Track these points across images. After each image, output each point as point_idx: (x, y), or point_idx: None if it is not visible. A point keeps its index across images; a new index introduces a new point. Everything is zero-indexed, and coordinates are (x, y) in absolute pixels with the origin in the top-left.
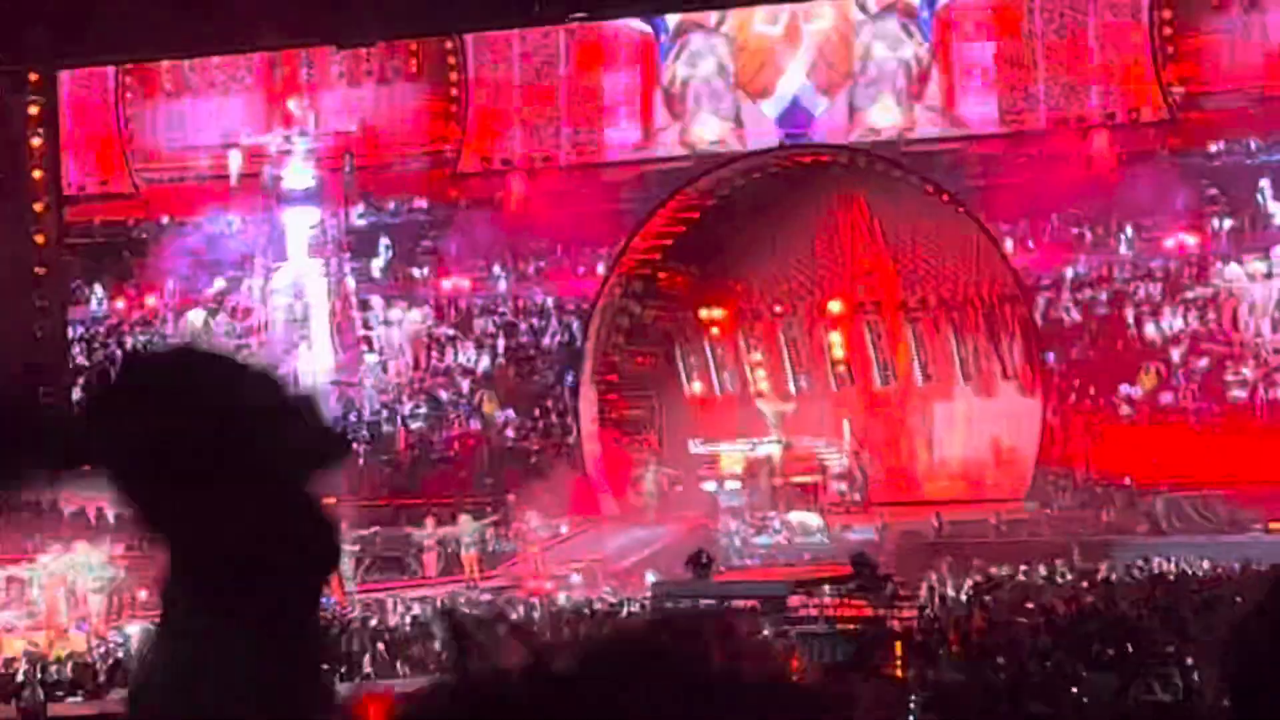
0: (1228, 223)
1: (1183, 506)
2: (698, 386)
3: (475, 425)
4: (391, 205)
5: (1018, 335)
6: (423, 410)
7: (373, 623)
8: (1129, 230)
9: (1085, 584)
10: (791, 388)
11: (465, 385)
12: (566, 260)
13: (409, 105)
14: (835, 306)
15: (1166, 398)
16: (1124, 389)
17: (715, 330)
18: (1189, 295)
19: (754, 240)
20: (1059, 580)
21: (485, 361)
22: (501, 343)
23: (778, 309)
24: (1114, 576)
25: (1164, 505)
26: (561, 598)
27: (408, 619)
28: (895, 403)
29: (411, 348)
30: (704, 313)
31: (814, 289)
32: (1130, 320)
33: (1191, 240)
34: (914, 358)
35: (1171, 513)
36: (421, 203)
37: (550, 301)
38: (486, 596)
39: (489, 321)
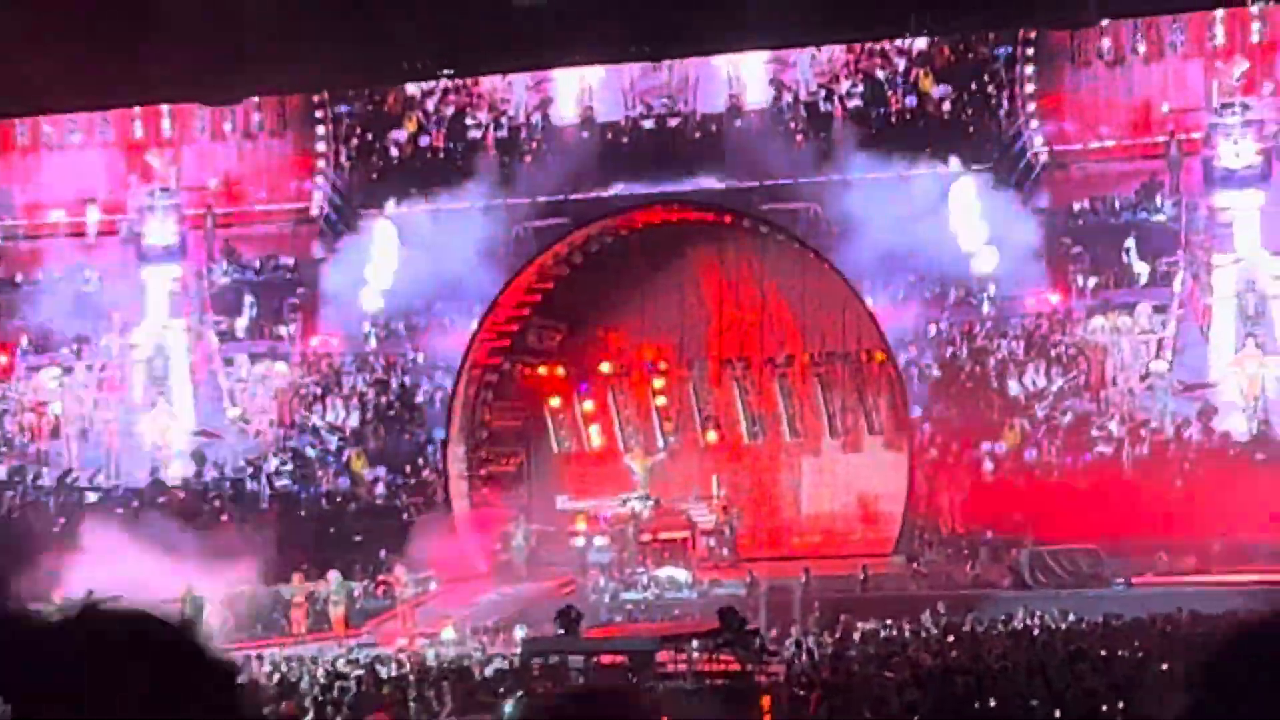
0: (1092, 280)
1: (1046, 560)
2: (566, 443)
3: (344, 483)
4: (257, 262)
5: (883, 390)
6: (289, 467)
7: (240, 679)
8: (991, 288)
9: (951, 638)
10: (660, 443)
11: (333, 442)
12: (436, 316)
13: (274, 160)
14: (703, 363)
15: (1031, 453)
16: (986, 445)
17: (583, 386)
18: (1052, 352)
19: (622, 297)
20: (925, 634)
21: (355, 419)
22: (371, 399)
23: (646, 365)
24: (979, 630)
25: (1028, 559)
26: (430, 654)
27: (275, 676)
28: (763, 457)
29: (277, 405)
30: (573, 369)
31: (682, 345)
32: (993, 377)
33: (1055, 298)
34: (782, 412)
35: (1035, 566)
36: (287, 259)
37: (420, 358)
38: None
39: (359, 379)
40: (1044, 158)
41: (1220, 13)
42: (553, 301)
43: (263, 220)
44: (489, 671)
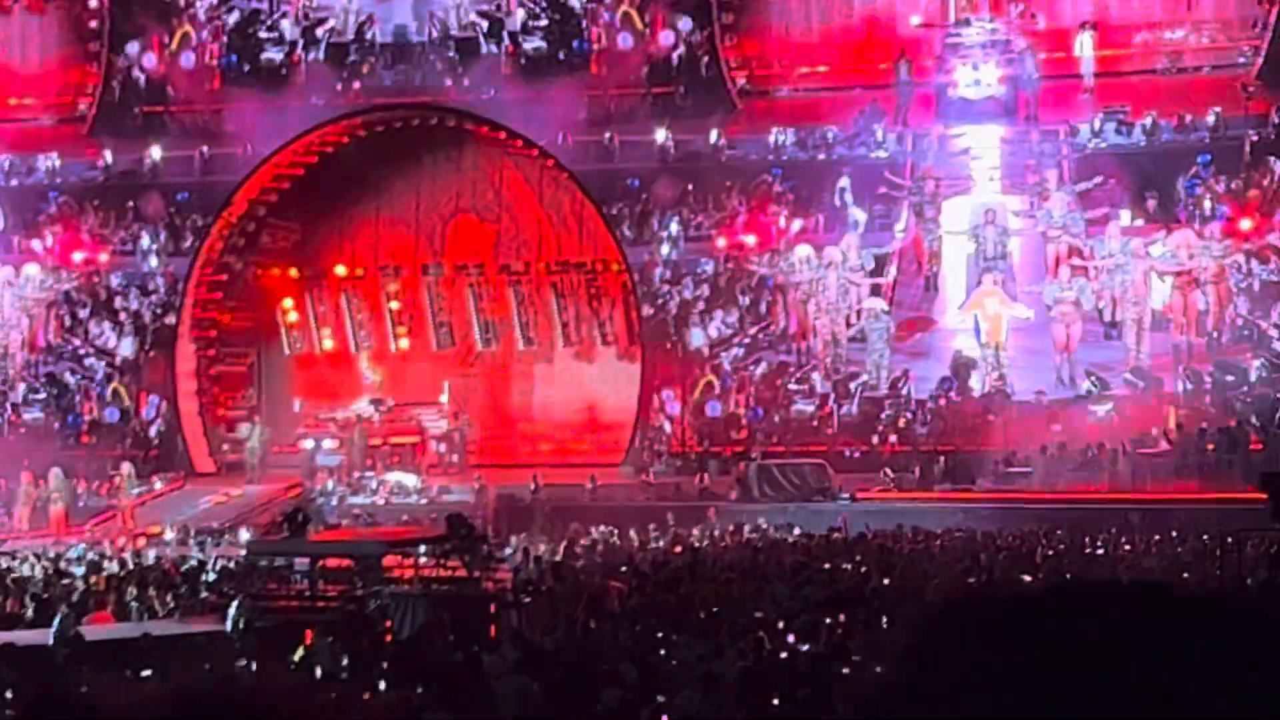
0: (796, 223)
1: (774, 473)
2: (299, 345)
3: (112, 414)
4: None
5: (618, 302)
6: (41, 397)
7: None
8: (672, 226)
9: (677, 548)
10: (392, 348)
11: (100, 370)
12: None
13: (31, 40)
14: (438, 268)
15: (714, 407)
16: (668, 393)
17: (317, 288)
18: (743, 298)
19: (357, 200)
20: (652, 544)
21: (128, 345)
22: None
23: (381, 269)
24: (705, 542)
25: (756, 471)
26: (151, 555)
27: None
28: (496, 365)
29: (29, 322)
30: (306, 271)
31: (416, 250)
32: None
33: (750, 239)
34: (515, 321)
35: (763, 479)
36: (47, 159)
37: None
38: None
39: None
40: (742, 83)
41: None
42: (287, 202)
43: (16, 113)
44: (212, 573)
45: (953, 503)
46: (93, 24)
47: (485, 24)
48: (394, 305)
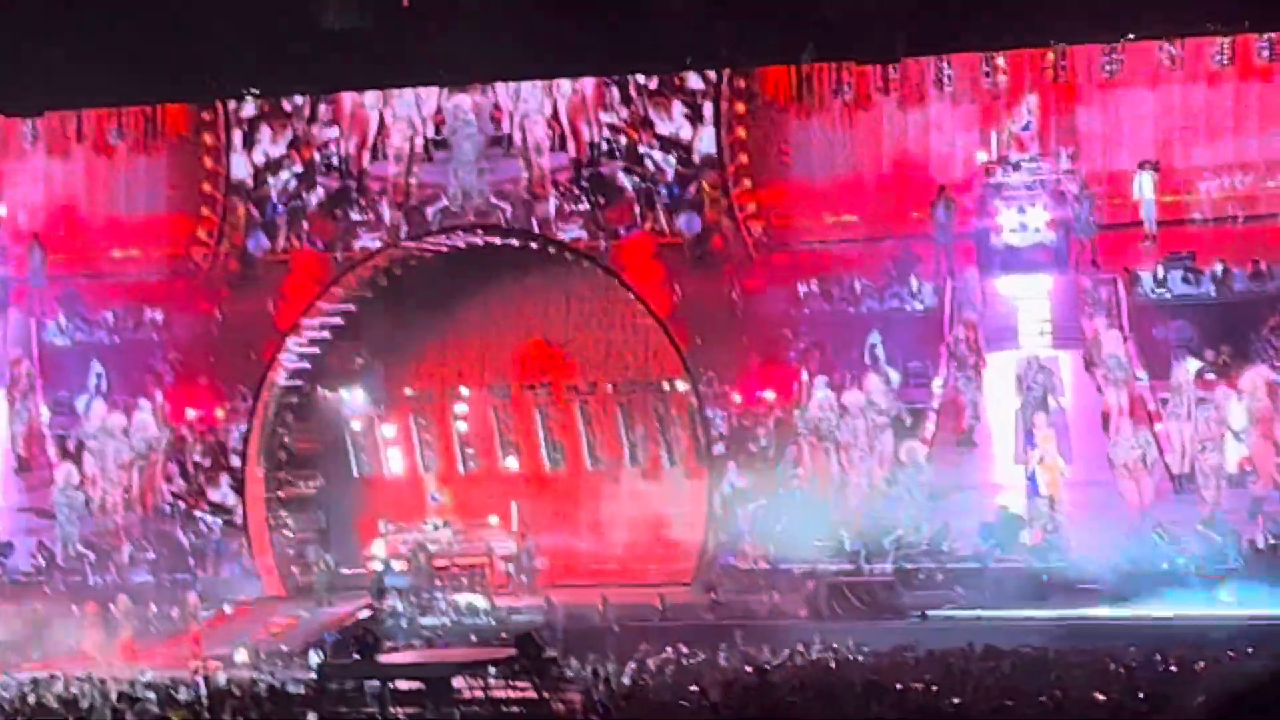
0: (821, 380)
1: (843, 591)
2: (366, 467)
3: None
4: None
5: (684, 421)
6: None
7: (30, 699)
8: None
9: (748, 668)
10: (460, 469)
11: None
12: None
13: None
14: (505, 389)
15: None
16: None
17: (384, 411)
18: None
19: (424, 321)
20: (721, 664)
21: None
22: None
23: (447, 390)
24: (775, 661)
25: (825, 589)
26: (222, 677)
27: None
28: (563, 485)
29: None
30: (374, 393)
31: (484, 370)
32: None
33: (770, 395)
34: (583, 440)
35: (832, 597)
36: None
37: None
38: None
39: None
40: (757, 233)
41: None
42: (356, 324)
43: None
44: (284, 696)
45: (1022, 621)
46: (208, 163)
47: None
48: (461, 426)
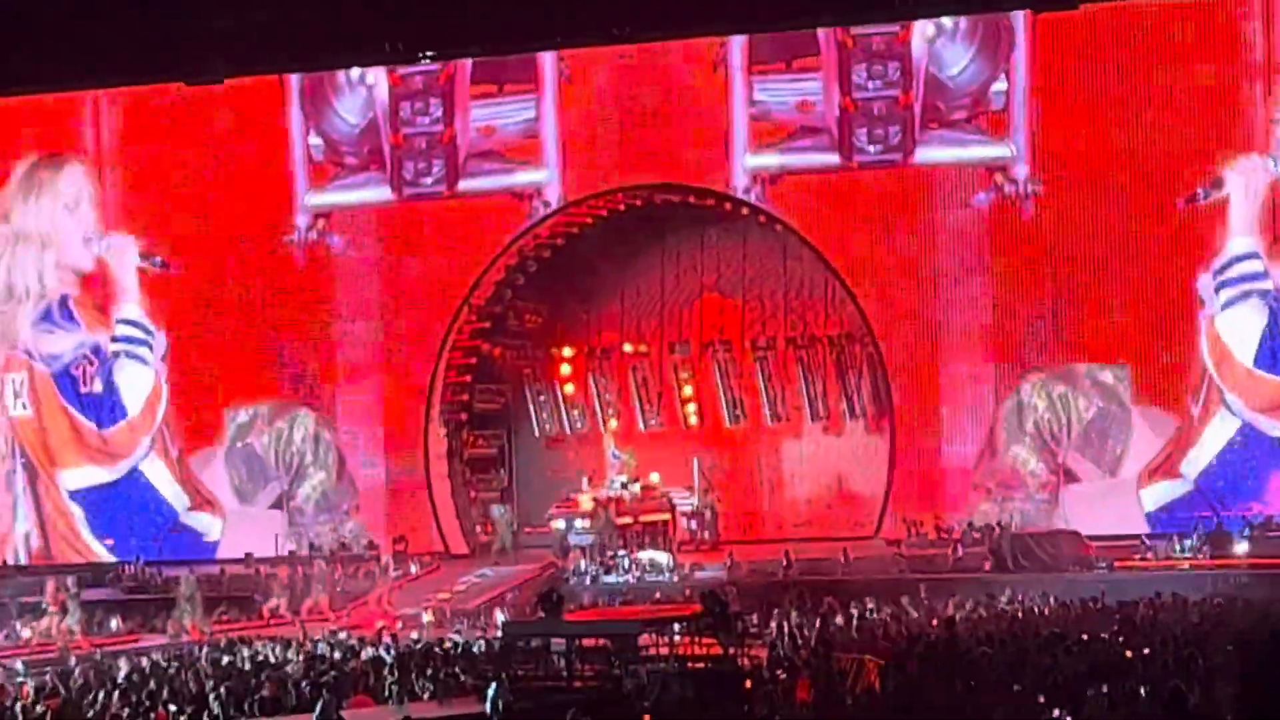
0: None
1: (1028, 543)
2: (548, 425)
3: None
4: None
5: (865, 374)
6: None
7: (224, 661)
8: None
9: (933, 620)
10: (641, 426)
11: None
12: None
13: None
14: (684, 345)
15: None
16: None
17: (565, 369)
18: None
19: (604, 279)
20: (906, 616)
21: None
22: None
23: (627, 348)
24: (959, 614)
25: (1010, 542)
26: (411, 637)
27: (258, 658)
28: (744, 441)
29: None
30: (554, 351)
31: (663, 328)
32: None
33: None
34: (763, 396)
35: (1017, 550)
36: None
37: None
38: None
39: None
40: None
41: None
42: (534, 283)
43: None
44: (469, 655)
45: (1211, 570)
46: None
47: None
48: (642, 384)
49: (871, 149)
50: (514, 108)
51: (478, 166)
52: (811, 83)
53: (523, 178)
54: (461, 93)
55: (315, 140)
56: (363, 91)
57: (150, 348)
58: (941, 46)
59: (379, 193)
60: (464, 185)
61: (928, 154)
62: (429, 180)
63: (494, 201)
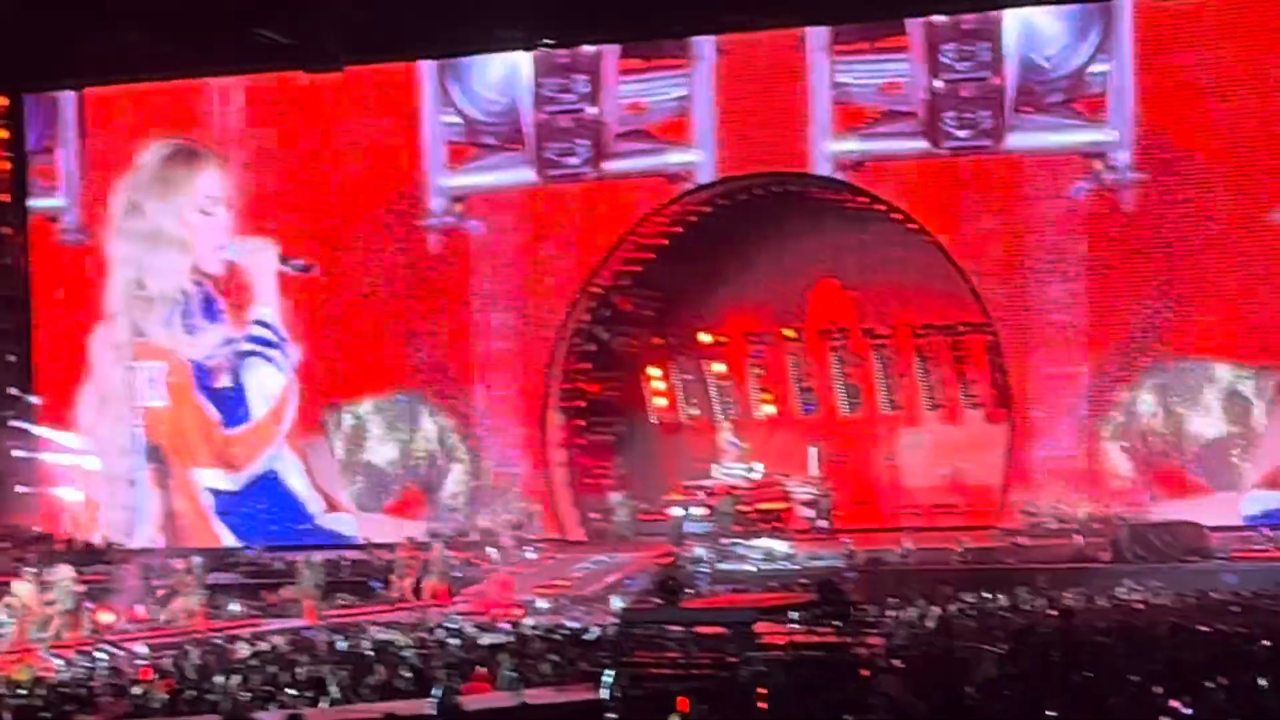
0: None
1: (1147, 535)
2: (664, 413)
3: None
4: None
5: (983, 364)
6: None
7: (341, 646)
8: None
9: (1051, 611)
10: (757, 414)
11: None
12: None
13: None
14: (802, 333)
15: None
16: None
17: (681, 357)
18: None
19: (720, 267)
20: (1024, 608)
21: None
22: None
23: (744, 336)
24: (1078, 604)
25: (1129, 533)
26: (526, 623)
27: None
28: (861, 429)
29: None
30: (670, 339)
31: (780, 316)
32: None
33: None
34: (880, 384)
35: (1136, 541)
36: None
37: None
38: (457, 622)
39: None
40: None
41: None
42: (651, 271)
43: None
44: (586, 641)
45: None
46: None
47: None
48: (758, 371)
49: (961, 134)
50: (665, 84)
51: (625, 146)
52: (900, 64)
53: (674, 158)
54: (609, 68)
55: (452, 119)
56: (503, 67)
57: (283, 351)
58: (1036, 25)
59: (520, 174)
60: (609, 166)
61: (1021, 140)
62: (574, 161)
63: (641, 183)
